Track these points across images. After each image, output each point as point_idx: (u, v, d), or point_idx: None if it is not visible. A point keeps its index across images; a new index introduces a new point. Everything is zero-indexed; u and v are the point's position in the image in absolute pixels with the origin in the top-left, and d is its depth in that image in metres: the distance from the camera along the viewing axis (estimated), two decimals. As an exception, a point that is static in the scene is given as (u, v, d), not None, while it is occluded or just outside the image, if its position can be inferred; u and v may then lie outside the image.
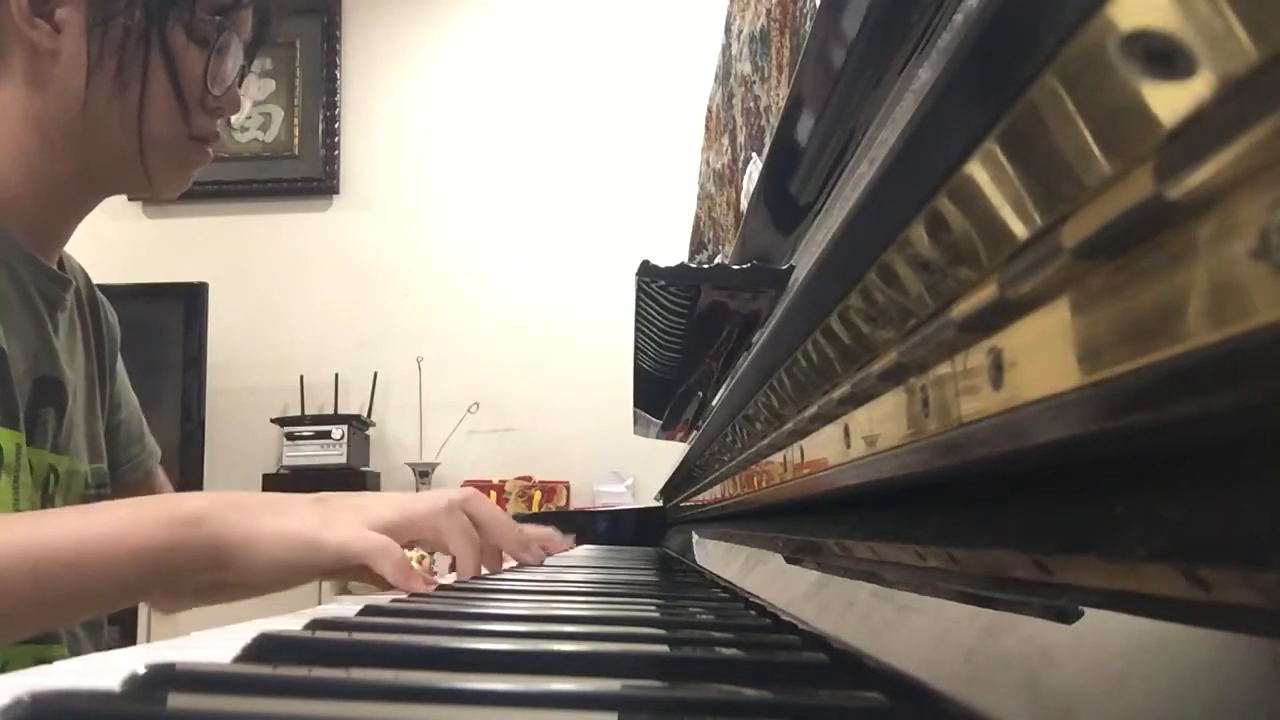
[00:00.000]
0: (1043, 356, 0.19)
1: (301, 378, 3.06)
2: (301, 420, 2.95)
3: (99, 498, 0.87)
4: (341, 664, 0.29)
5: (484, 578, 0.71)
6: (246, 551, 0.60)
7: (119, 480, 0.96)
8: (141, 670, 0.24)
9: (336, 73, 3.26)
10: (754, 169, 0.91)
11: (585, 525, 1.67)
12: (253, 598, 0.66)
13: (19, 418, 0.75)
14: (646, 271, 0.60)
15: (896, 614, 0.33)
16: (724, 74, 1.23)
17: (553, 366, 3.03)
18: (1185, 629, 0.18)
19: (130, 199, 3.06)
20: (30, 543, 0.57)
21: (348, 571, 0.63)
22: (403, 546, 0.67)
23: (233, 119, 0.87)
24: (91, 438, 0.88)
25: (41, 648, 0.78)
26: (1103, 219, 0.16)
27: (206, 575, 0.61)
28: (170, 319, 2.90)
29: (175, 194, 0.86)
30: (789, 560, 0.55)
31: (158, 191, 0.84)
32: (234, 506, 0.62)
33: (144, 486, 1.00)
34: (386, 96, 3.26)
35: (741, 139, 1.04)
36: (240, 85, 0.86)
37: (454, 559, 0.71)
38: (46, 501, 0.79)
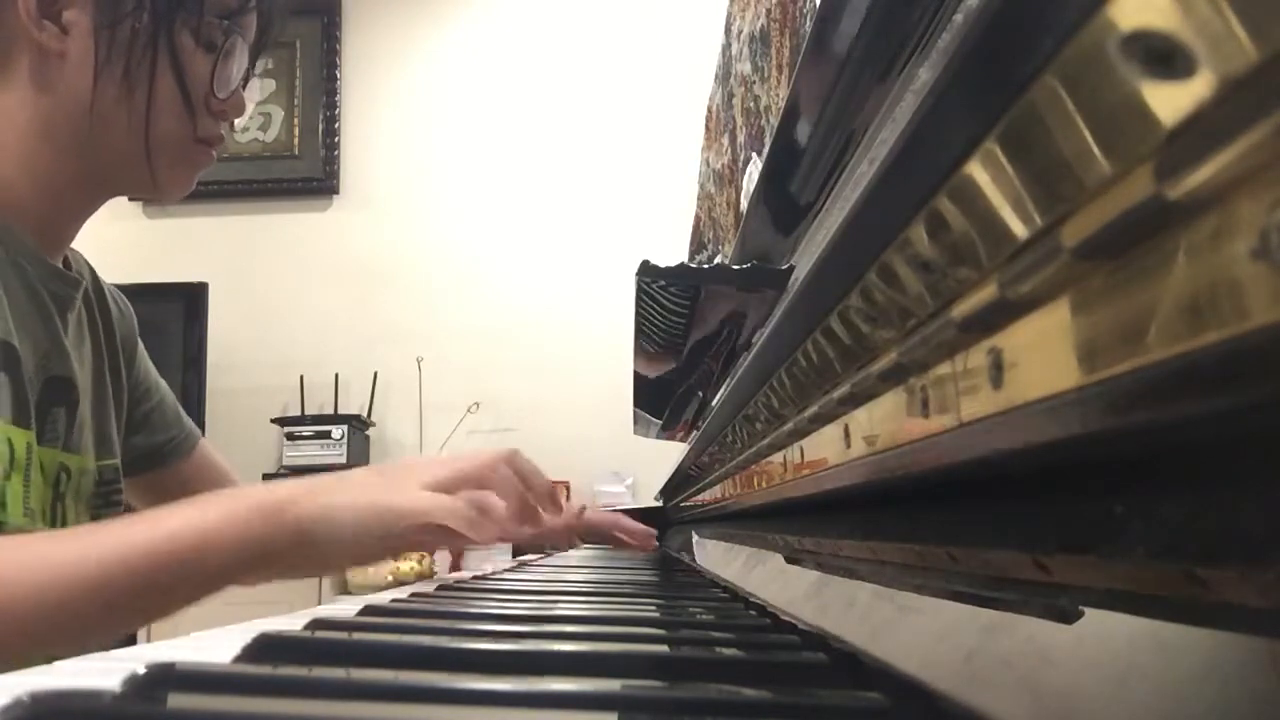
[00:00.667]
0: (1043, 356, 0.19)
1: (301, 378, 3.06)
2: (301, 420, 2.95)
3: (109, 495, 0.88)
4: (341, 664, 0.29)
5: (484, 577, 0.71)
6: (327, 528, 0.63)
7: (161, 463, 0.99)
8: (141, 670, 0.24)
9: (336, 73, 3.26)
10: (754, 169, 0.91)
11: (585, 525, 1.67)
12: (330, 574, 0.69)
13: (31, 416, 0.75)
14: (646, 271, 0.60)
15: (896, 614, 0.33)
16: (724, 74, 1.23)
17: (553, 366, 3.03)
18: (1185, 629, 0.18)
19: (131, 199, 3.06)
20: (154, 536, 0.60)
21: (422, 532, 0.65)
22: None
23: (235, 121, 0.88)
24: (100, 435, 0.88)
25: None
26: (1103, 219, 0.16)
27: (292, 558, 0.64)
28: (170, 319, 2.90)
29: (179, 196, 0.86)
30: (789, 560, 0.55)
31: (162, 193, 0.85)
32: (309, 490, 0.65)
33: (194, 465, 1.02)
34: (386, 96, 3.26)
35: (741, 139, 1.04)
36: (244, 88, 0.86)
37: (454, 556, 0.72)
38: (58, 500, 0.79)
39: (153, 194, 0.85)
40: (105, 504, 0.87)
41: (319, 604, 0.56)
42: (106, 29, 0.76)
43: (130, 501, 0.91)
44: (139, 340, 1.00)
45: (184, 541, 0.60)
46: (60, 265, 0.84)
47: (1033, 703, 0.22)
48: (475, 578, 0.70)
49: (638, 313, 0.71)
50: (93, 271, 0.94)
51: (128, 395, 0.95)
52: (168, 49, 0.78)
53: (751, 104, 0.97)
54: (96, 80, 0.77)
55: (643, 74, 3.09)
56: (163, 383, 1.03)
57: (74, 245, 0.90)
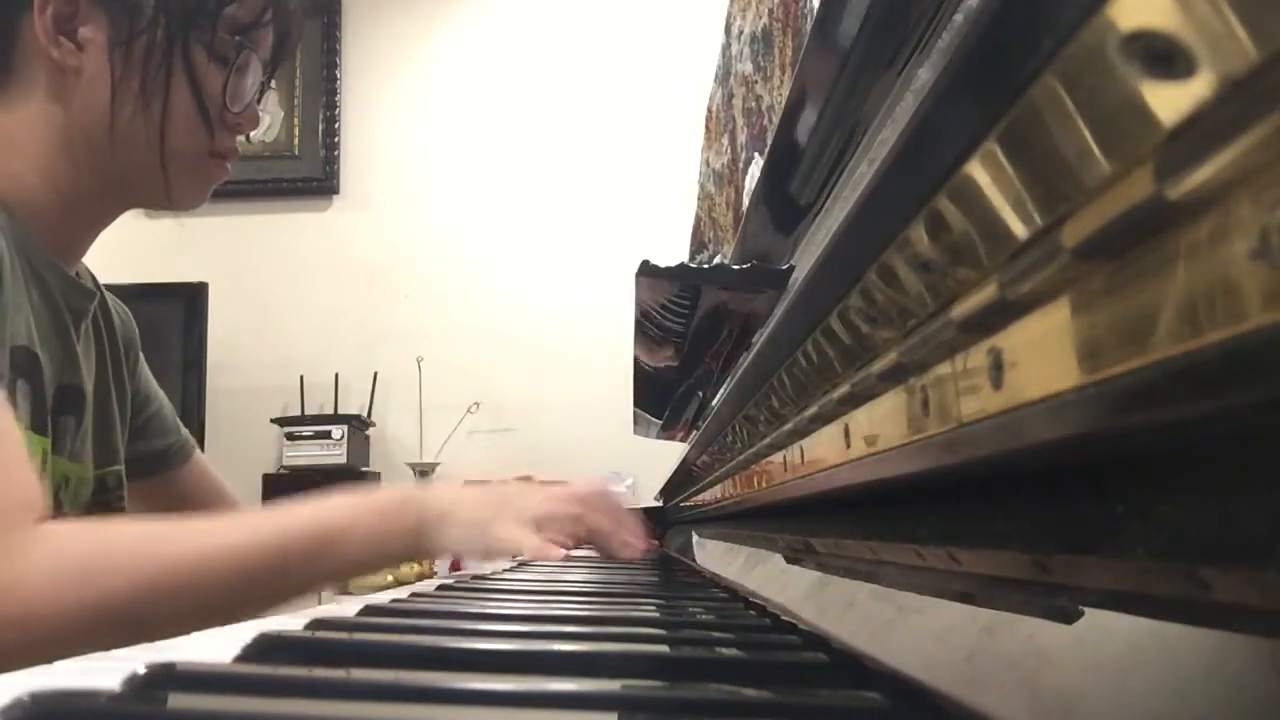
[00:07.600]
0: (1043, 356, 0.19)
1: (301, 378, 3.06)
2: (301, 420, 2.95)
3: (109, 502, 0.88)
4: (341, 664, 0.29)
5: (484, 577, 0.71)
6: (438, 530, 0.74)
7: (160, 469, 1.01)
8: (141, 670, 0.24)
9: (336, 73, 3.26)
10: (755, 169, 0.91)
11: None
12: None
13: (48, 424, 0.76)
14: (646, 271, 0.60)
15: (896, 614, 0.33)
16: (724, 74, 1.23)
17: (553, 366, 3.02)
18: (1185, 629, 0.18)
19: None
20: (305, 524, 0.69)
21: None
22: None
23: (251, 134, 0.88)
24: (102, 443, 0.89)
25: None
26: (1103, 219, 0.16)
27: (408, 552, 0.74)
28: (170, 319, 2.90)
29: (192, 207, 0.87)
30: (789, 560, 0.55)
31: (176, 205, 0.86)
32: (431, 494, 0.77)
33: (192, 474, 1.04)
34: (386, 96, 3.25)
35: (742, 139, 1.04)
36: (260, 101, 0.87)
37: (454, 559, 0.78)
38: (57, 509, 0.80)
39: (167, 207, 0.86)
40: (106, 510, 0.87)
41: (319, 604, 0.56)
42: (122, 45, 0.77)
43: (130, 507, 0.92)
44: (140, 349, 1.01)
45: (317, 534, 0.69)
46: (74, 275, 0.85)
47: (1033, 703, 0.22)
48: (475, 578, 0.71)
49: (638, 313, 0.71)
50: (94, 278, 0.94)
51: (130, 402, 0.96)
52: (183, 65, 0.79)
53: (754, 104, 0.97)
54: (114, 95, 0.78)
55: (643, 74, 3.09)
56: (160, 390, 1.04)
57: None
